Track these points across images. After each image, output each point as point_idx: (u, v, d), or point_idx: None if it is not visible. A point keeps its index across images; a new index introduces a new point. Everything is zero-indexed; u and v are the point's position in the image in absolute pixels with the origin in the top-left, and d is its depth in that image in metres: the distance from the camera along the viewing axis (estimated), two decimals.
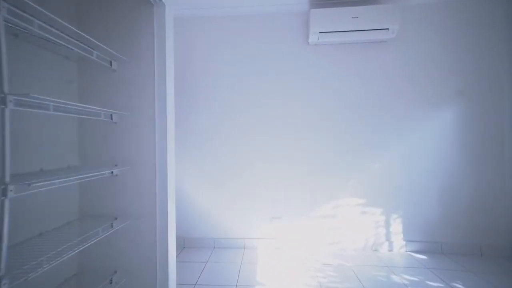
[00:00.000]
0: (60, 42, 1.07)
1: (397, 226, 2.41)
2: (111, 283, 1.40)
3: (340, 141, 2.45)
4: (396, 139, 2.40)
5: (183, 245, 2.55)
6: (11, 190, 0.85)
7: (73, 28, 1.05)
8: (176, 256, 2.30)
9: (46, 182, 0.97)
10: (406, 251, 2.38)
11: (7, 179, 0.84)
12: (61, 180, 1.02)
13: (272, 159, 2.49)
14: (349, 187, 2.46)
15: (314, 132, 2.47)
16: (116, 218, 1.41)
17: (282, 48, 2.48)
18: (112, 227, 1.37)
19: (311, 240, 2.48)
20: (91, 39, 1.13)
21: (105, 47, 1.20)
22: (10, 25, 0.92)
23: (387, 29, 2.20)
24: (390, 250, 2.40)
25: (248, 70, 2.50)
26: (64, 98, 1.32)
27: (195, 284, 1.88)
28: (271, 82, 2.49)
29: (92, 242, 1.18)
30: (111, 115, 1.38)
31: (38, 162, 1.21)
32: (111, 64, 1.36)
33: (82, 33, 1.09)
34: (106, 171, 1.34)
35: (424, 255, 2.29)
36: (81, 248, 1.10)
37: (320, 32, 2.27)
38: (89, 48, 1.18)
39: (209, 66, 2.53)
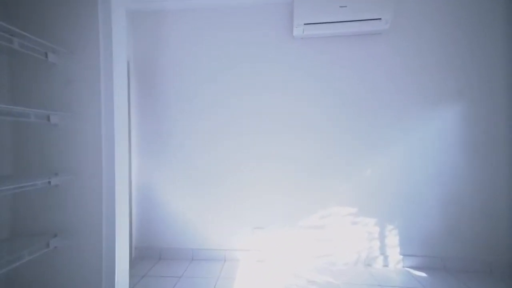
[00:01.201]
0: None
1: (393, 238, 2.16)
2: None
3: (330, 141, 2.22)
4: (394, 138, 2.16)
5: (159, 256, 2.36)
6: None
7: None
8: (149, 270, 2.14)
9: None
10: (403, 266, 2.13)
11: None
12: None
13: (255, 163, 2.28)
14: (340, 194, 2.23)
15: (299, 132, 2.25)
16: (55, 235, 1.22)
17: (264, 42, 2.27)
18: (48, 246, 1.18)
19: (297, 252, 2.25)
20: (7, 26, 0.95)
21: (28, 35, 1.01)
22: None
23: (380, 19, 1.97)
24: (385, 265, 2.16)
25: (226, 67, 2.30)
26: None
27: None
28: (250, 79, 2.29)
29: (16, 265, 0.99)
30: (48, 116, 1.19)
31: None
32: (46, 56, 1.17)
33: None
34: (40, 182, 1.15)
35: (423, 272, 2.05)
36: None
37: (305, 24, 2.06)
38: (6, 36, 0.99)
39: (183, 61, 2.33)
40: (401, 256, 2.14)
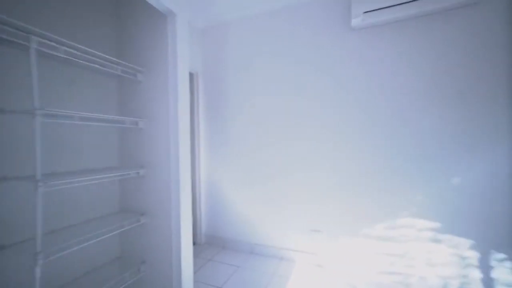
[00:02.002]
0: (85, 62, 1.28)
1: (504, 272, 1.65)
2: (139, 271, 1.57)
3: (400, 147, 1.92)
4: (488, 140, 1.67)
5: (223, 245, 2.62)
6: (40, 186, 1.06)
7: (96, 52, 1.25)
8: (214, 255, 2.41)
9: (70, 180, 1.17)
10: None
11: (38, 176, 1.06)
12: (80, 179, 1.21)
13: (314, 166, 2.22)
14: (414, 204, 1.89)
15: (365, 136, 2.04)
16: (142, 214, 1.58)
17: (317, 39, 2.18)
18: (139, 221, 1.54)
19: (359, 263, 2.04)
20: (112, 58, 1.31)
21: (125, 62, 1.37)
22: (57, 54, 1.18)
23: None
24: None
25: (280, 70, 2.33)
26: (105, 109, 1.59)
27: (220, 287, 1.88)
28: (306, 80, 2.23)
29: (116, 233, 1.35)
30: (137, 122, 1.55)
31: (87, 162, 1.49)
32: (136, 76, 1.54)
33: (103, 55, 1.28)
34: (132, 172, 1.52)
35: None
36: (103, 237, 1.28)
37: (364, 13, 1.87)
38: (112, 65, 1.37)
39: (241, 68, 2.51)
40: None
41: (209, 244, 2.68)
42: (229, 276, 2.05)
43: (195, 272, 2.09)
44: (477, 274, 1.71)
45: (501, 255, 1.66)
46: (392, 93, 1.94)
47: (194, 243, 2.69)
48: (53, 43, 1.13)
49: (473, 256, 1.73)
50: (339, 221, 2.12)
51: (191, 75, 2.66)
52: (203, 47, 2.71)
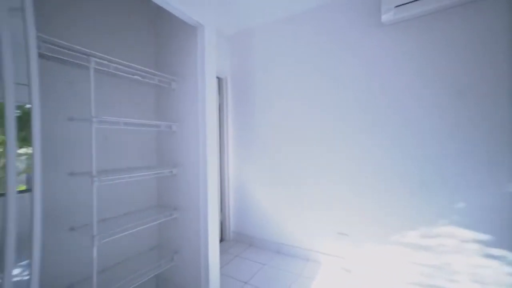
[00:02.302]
0: (128, 75, 1.49)
1: None
2: (172, 260, 1.75)
3: (438, 147, 1.78)
4: None
5: (250, 242, 2.72)
6: (94, 181, 1.27)
7: (141, 67, 1.44)
8: (241, 252, 2.52)
9: (117, 177, 1.38)
10: None
11: (94, 173, 1.28)
12: (124, 176, 1.41)
13: (340, 168, 2.18)
14: (455, 212, 1.73)
15: (396, 136, 1.94)
16: (175, 209, 1.75)
17: (344, 38, 2.13)
18: (171, 215, 1.71)
19: (389, 270, 1.94)
20: (150, 70, 1.50)
21: (161, 73, 1.55)
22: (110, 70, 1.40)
23: None
24: None
25: (305, 72, 2.34)
26: (145, 114, 1.81)
27: (245, 282, 1.97)
28: (331, 82, 2.20)
29: (153, 224, 1.54)
30: (171, 125, 1.73)
31: (130, 161, 1.72)
32: (170, 85, 1.72)
33: (144, 68, 1.48)
34: (167, 171, 1.70)
35: None
36: (143, 227, 1.47)
37: (396, 7, 1.78)
38: (151, 76, 1.57)
39: (267, 71, 2.57)
40: None
41: (237, 241, 2.80)
42: (254, 272, 2.13)
43: (222, 267, 2.22)
44: None
45: None
46: (435, 93, 1.80)
47: (222, 239, 2.84)
48: (105, 62, 1.34)
49: None
50: (368, 225, 2.04)
51: (220, 80, 2.82)
52: (231, 53, 2.85)
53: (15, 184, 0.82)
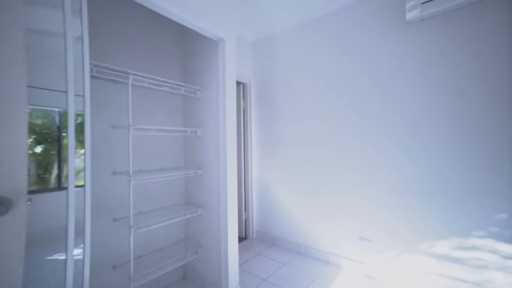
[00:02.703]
0: (157, 88, 1.70)
1: None
2: (197, 253, 1.93)
3: (474, 151, 1.65)
4: None
5: (272, 242, 2.80)
6: (131, 180, 1.50)
7: (169, 80, 1.64)
8: (263, 251, 2.62)
9: (150, 176, 1.60)
10: None
11: (131, 172, 1.50)
12: (156, 176, 1.62)
13: (364, 170, 2.13)
14: (495, 223, 1.58)
15: (426, 137, 1.84)
16: (200, 206, 1.93)
17: (367, 38, 2.08)
18: (197, 212, 1.89)
19: (416, 282, 1.84)
20: (178, 82, 1.70)
21: (187, 85, 1.74)
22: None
23: None
24: None
25: (328, 75, 2.33)
26: (175, 121, 2.03)
27: (264, 280, 2.06)
28: (354, 85, 2.16)
29: (181, 219, 1.73)
30: (196, 131, 1.91)
31: (161, 163, 1.95)
32: (196, 94, 1.90)
33: (172, 81, 1.68)
34: (193, 172, 1.89)
35: None
36: (172, 221, 1.67)
37: (422, 3, 1.70)
38: (179, 87, 1.77)
39: (289, 75, 2.62)
40: None
41: (260, 240, 2.91)
42: (274, 271, 2.21)
43: (244, 263, 2.34)
44: None
45: None
46: (471, 93, 1.68)
47: (246, 238, 2.97)
48: (141, 78, 1.57)
49: None
50: (393, 232, 1.97)
51: (244, 85, 2.96)
52: (255, 58, 2.97)
53: (73, 180, 1.03)
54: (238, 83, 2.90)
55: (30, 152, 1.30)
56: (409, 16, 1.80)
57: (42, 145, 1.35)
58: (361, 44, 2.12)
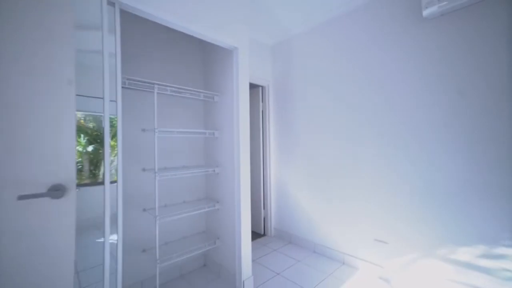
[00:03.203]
0: (180, 95, 1.91)
1: None
2: (214, 243, 2.11)
3: (502, 152, 1.54)
4: None
5: (289, 240, 2.88)
6: (156, 176, 1.73)
7: (188, 88, 1.85)
8: (280, 247, 2.72)
9: (174, 173, 1.81)
10: None
11: (156, 170, 1.73)
12: (179, 172, 1.83)
13: (380, 172, 2.10)
14: None
15: (445, 137, 1.76)
16: (217, 202, 2.11)
17: (383, 37, 2.03)
18: (214, 206, 2.08)
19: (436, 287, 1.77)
20: (198, 89, 1.90)
21: (206, 91, 1.93)
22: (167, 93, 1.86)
23: None
24: None
25: (342, 77, 2.32)
26: (196, 123, 2.24)
27: (278, 274, 2.16)
28: (368, 86, 2.13)
29: (201, 212, 1.93)
30: (214, 132, 2.10)
31: (184, 161, 2.17)
32: (213, 99, 2.08)
33: (193, 89, 1.87)
34: (211, 170, 2.07)
35: None
36: (193, 213, 1.88)
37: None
38: (199, 93, 1.97)
39: (305, 78, 2.66)
40: None
41: (277, 237, 3.01)
42: (288, 266, 2.29)
43: (260, 257, 2.47)
44: None
45: None
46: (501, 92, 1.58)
47: (265, 234, 3.09)
48: (164, 87, 1.79)
49: None
50: (410, 235, 1.91)
51: (262, 88, 3.08)
52: (272, 61, 3.07)
53: (109, 177, 1.27)
54: (257, 86, 3.03)
55: (84, 151, 1.61)
56: (425, 12, 1.73)
57: (93, 145, 1.65)
58: (379, 43, 2.09)
